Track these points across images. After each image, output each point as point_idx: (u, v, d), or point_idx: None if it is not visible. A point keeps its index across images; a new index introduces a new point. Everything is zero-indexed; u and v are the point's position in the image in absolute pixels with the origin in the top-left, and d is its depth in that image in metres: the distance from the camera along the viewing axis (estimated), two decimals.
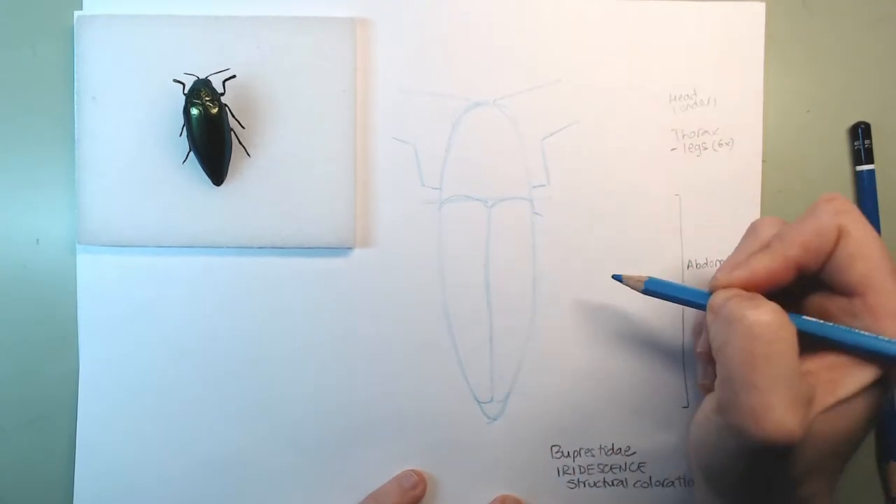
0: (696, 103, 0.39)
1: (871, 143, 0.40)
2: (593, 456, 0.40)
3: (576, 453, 0.40)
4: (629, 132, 0.39)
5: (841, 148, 0.40)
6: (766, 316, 0.26)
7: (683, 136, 0.39)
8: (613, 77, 0.39)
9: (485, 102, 0.39)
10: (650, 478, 0.40)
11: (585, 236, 0.39)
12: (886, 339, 0.27)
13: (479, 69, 0.39)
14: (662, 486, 0.40)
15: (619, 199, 0.39)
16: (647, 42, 0.39)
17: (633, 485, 0.40)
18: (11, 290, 0.40)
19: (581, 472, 0.40)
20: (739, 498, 0.30)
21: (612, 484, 0.40)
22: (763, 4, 0.39)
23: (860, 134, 0.40)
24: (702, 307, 0.32)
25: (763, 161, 0.40)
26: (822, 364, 0.28)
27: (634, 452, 0.40)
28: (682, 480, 0.40)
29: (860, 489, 0.40)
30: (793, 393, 0.26)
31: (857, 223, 0.29)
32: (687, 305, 0.33)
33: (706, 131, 0.39)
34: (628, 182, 0.39)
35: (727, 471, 0.29)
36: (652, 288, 0.34)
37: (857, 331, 0.28)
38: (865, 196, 0.40)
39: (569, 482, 0.40)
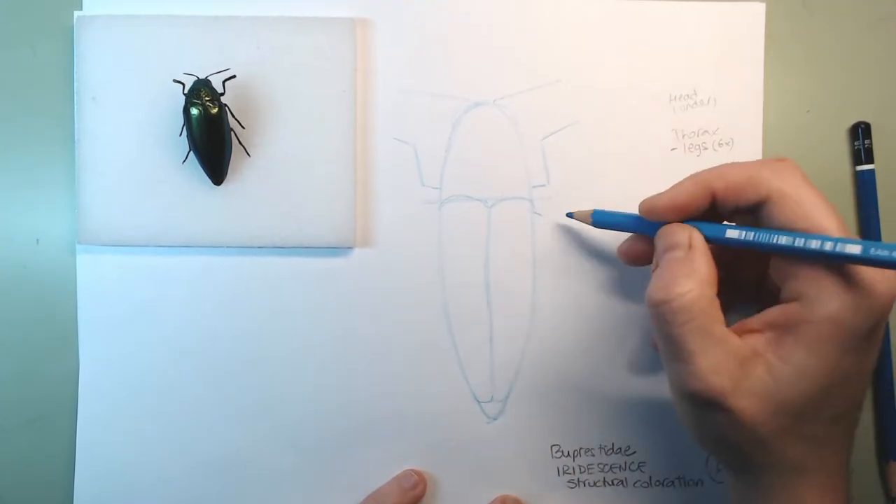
0: (696, 103, 0.39)
1: (871, 143, 0.40)
2: (593, 456, 0.40)
3: (576, 453, 0.40)
4: (629, 132, 0.39)
5: (841, 148, 0.40)
6: (674, 303, 0.29)
7: (683, 136, 0.39)
8: (613, 77, 0.39)
9: (485, 102, 0.39)
10: (650, 478, 0.40)
11: (585, 236, 0.39)
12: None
13: (479, 69, 0.39)
14: (662, 486, 0.40)
15: (619, 198, 0.39)
16: (647, 42, 0.39)
17: (633, 485, 0.40)
18: (11, 290, 0.40)
19: (581, 472, 0.40)
20: (740, 473, 0.31)
21: (612, 484, 0.40)
22: (763, 4, 0.39)
23: (860, 134, 0.40)
24: (644, 232, 0.34)
25: None
26: (764, 320, 0.29)
27: (634, 452, 0.40)
28: (682, 480, 0.40)
29: (860, 489, 0.40)
30: (715, 355, 0.28)
31: (797, 187, 0.29)
32: (633, 232, 0.35)
33: (706, 131, 0.39)
34: (628, 182, 0.39)
35: (703, 435, 0.31)
36: (599, 219, 0.37)
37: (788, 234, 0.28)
38: (865, 196, 0.40)
39: (569, 482, 0.40)
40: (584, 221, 0.37)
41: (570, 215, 0.38)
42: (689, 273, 0.29)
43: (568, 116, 0.39)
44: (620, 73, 0.39)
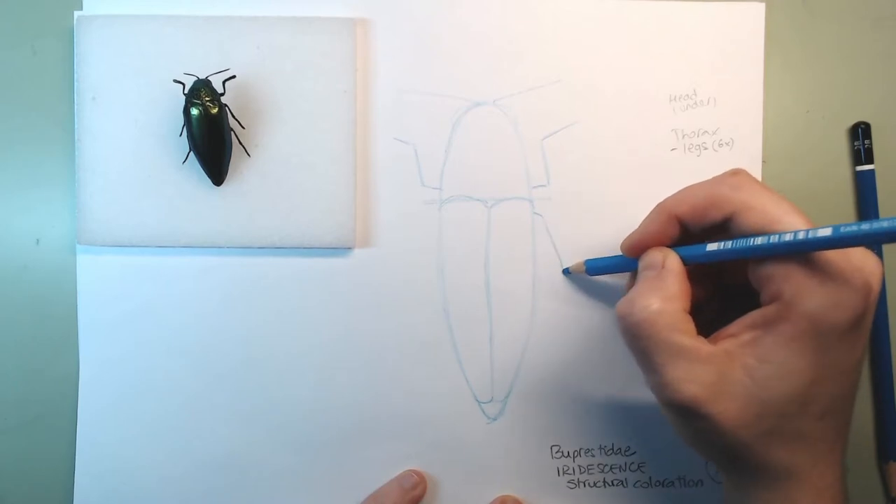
0: (696, 103, 0.39)
1: (871, 143, 0.40)
2: (593, 456, 0.40)
3: (576, 453, 0.40)
4: (629, 132, 0.39)
5: (841, 148, 0.40)
6: (637, 315, 0.30)
7: (683, 136, 0.39)
8: (613, 77, 0.39)
9: (485, 102, 0.39)
10: (650, 478, 0.40)
11: (585, 236, 0.39)
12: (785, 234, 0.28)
13: (479, 69, 0.39)
14: (662, 486, 0.40)
15: (619, 199, 0.39)
16: (648, 42, 0.39)
17: (633, 485, 0.40)
18: (11, 290, 0.40)
19: (581, 472, 0.40)
20: (733, 475, 0.32)
21: (612, 484, 0.40)
22: (763, 4, 0.39)
23: (860, 134, 0.40)
24: (634, 269, 0.35)
25: (763, 161, 0.40)
26: (743, 324, 0.30)
27: (634, 452, 0.40)
28: (682, 480, 0.40)
29: (860, 489, 0.40)
30: (684, 365, 0.29)
31: (759, 196, 0.30)
32: (624, 271, 0.36)
33: (706, 131, 0.39)
34: (628, 182, 0.39)
35: (692, 441, 0.31)
36: (592, 266, 0.38)
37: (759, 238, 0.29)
38: (865, 196, 0.40)
39: (569, 482, 0.40)
40: (579, 272, 0.38)
41: (566, 272, 0.39)
42: (656, 289, 0.30)
43: (568, 116, 0.39)
44: (620, 74, 0.39)
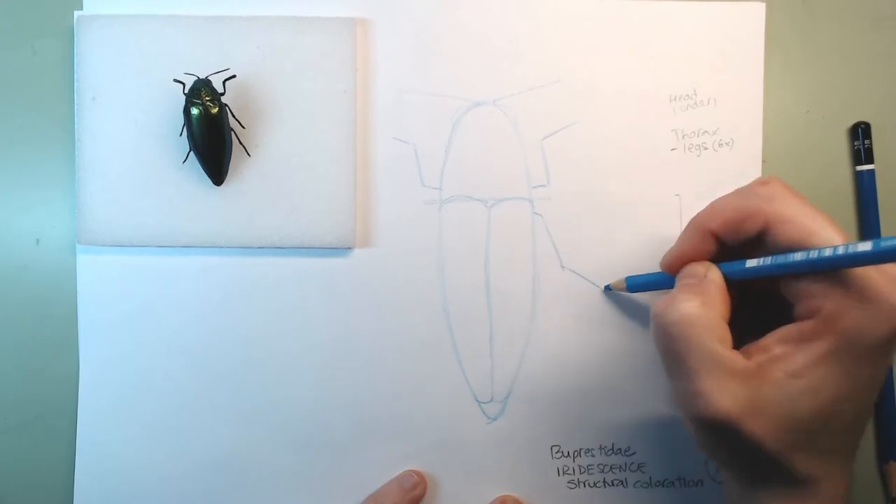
0: (696, 103, 0.39)
1: (871, 143, 0.40)
2: (593, 456, 0.40)
3: (576, 453, 0.40)
4: (629, 132, 0.39)
5: (841, 148, 0.40)
6: (675, 314, 0.29)
7: (683, 136, 0.39)
8: (613, 77, 0.39)
9: (485, 102, 0.39)
10: (650, 478, 0.40)
11: (585, 236, 0.39)
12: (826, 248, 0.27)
13: (479, 69, 0.39)
14: (662, 486, 0.40)
15: (619, 199, 0.39)
16: (648, 42, 0.39)
17: (633, 485, 0.40)
18: (11, 290, 0.40)
19: (581, 472, 0.40)
20: (746, 485, 0.31)
21: (612, 484, 0.40)
22: (763, 4, 0.39)
23: (860, 134, 0.40)
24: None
25: (763, 161, 0.40)
26: (776, 338, 0.29)
27: (634, 452, 0.40)
28: (682, 480, 0.40)
29: (860, 489, 0.40)
30: (719, 376, 0.28)
31: (793, 207, 0.29)
32: (668, 287, 0.35)
33: (706, 131, 0.39)
34: (628, 182, 0.39)
35: (712, 452, 0.31)
36: (633, 283, 0.37)
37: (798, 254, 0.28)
38: (865, 196, 0.40)
39: (569, 482, 0.40)
40: (620, 290, 0.38)
41: (607, 288, 0.39)
42: (695, 293, 0.30)
43: (568, 116, 0.39)
44: (620, 74, 0.39)
